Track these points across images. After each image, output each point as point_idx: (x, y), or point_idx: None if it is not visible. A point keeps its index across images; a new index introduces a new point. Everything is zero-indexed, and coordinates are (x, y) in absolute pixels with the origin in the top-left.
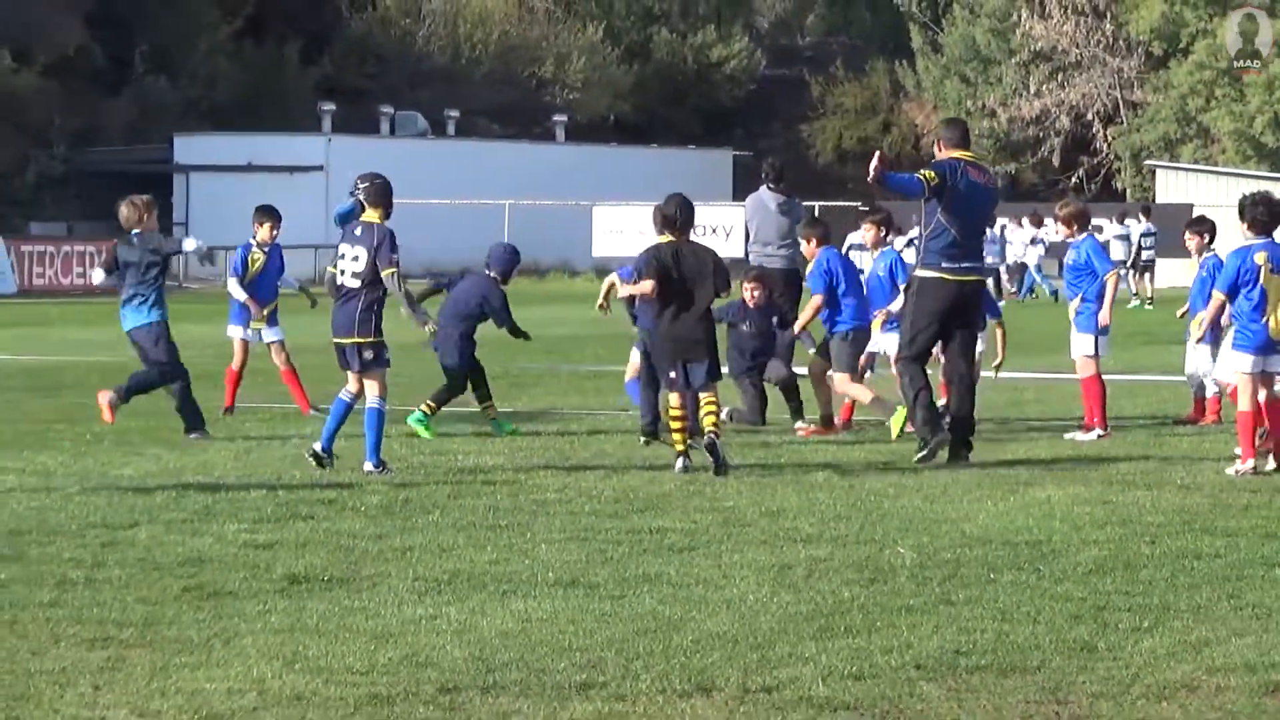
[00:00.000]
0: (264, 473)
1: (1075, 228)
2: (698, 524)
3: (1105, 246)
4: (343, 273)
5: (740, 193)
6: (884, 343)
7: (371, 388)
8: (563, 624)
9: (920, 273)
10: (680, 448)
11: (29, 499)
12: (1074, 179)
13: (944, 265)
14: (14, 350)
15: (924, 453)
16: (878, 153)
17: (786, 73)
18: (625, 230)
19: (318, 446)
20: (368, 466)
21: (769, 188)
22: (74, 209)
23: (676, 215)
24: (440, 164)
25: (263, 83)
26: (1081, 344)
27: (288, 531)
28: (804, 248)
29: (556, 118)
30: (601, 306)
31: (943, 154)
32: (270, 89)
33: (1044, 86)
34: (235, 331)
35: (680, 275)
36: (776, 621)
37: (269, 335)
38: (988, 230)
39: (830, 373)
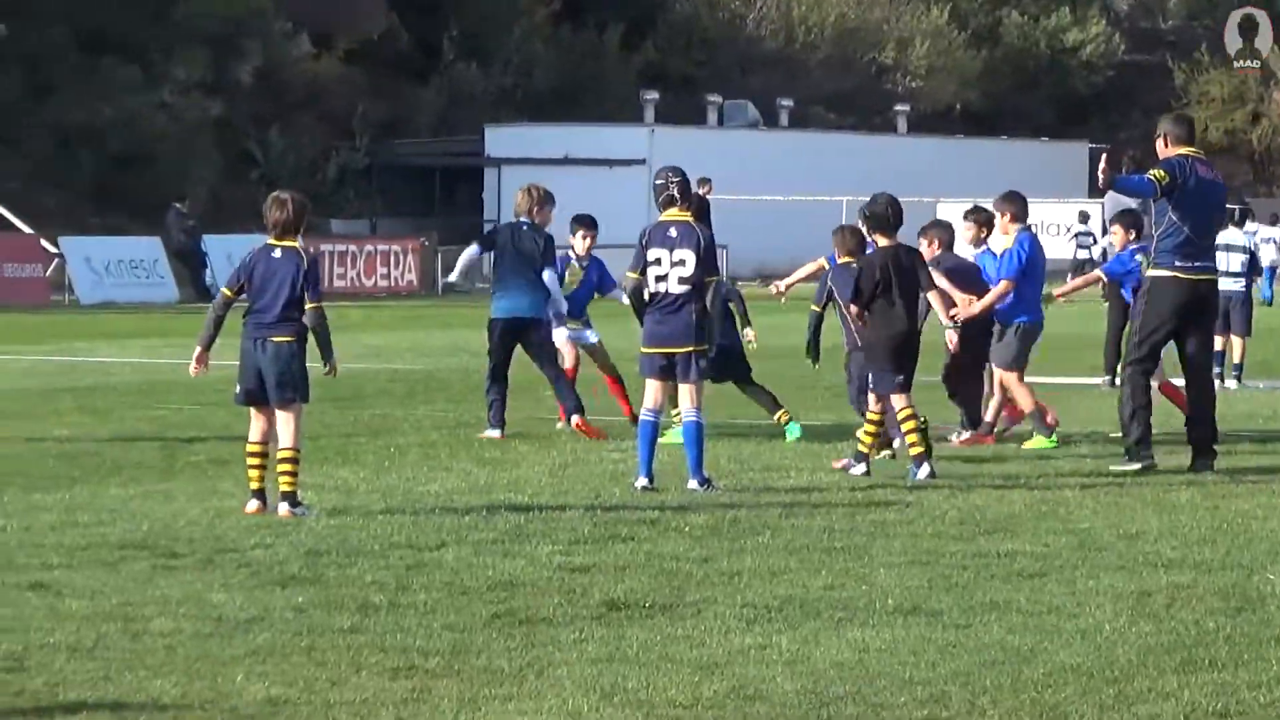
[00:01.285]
0: (580, 491)
1: None
2: (1050, 547)
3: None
4: (663, 278)
5: (1097, 188)
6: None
7: (693, 398)
8: (903, 655)
9: (1153, 273)
10: (865, 450)
11: (329, 517)
12: None
13: (1177, 264)
14: (311, 356)
15: (1130, 467)
16: (1105, 154)
17: (1147, 58)
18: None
19: (642, 482)
20: (692, 484)
21: None
22: (378, 205)
23: (889, 216)
24: (773, 157)
25: (581, 70)
26: None
27: (606, 554)
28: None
29: (898, 107)
30: (780, 293)
31: (1169, 151)
32: (589, 77)
33: None
34: (558, 335)
35: (898, 280)
36: (1135, 653)
37: (591, 337)
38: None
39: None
